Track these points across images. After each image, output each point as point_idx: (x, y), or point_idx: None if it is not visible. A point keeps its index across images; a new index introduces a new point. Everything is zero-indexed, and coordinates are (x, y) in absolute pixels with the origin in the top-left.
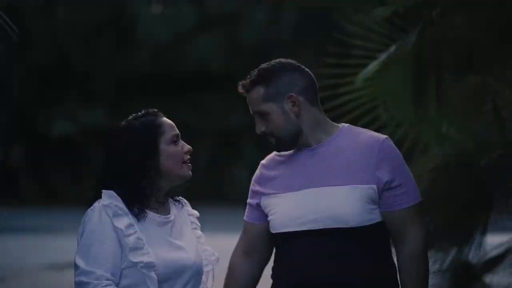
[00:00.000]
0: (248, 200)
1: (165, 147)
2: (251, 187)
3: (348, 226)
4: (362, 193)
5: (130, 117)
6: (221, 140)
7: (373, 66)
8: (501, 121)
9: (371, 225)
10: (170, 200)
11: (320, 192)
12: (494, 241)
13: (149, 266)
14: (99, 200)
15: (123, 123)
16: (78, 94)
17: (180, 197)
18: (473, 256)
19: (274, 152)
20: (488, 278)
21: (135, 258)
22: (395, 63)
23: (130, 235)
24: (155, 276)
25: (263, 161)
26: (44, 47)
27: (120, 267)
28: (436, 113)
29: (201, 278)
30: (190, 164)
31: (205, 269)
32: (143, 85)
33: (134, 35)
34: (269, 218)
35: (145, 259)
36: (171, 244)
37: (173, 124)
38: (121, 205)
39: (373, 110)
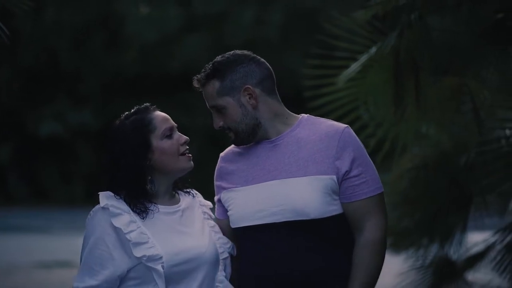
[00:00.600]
0: (215, 197)
1: (158, 143)
2: (214, 182)
3: (309, 218)
4: (322, 184)
5: (122, 116)
6: (208, 140)
7: (354, 67)
8: (479, 121)
9: (332, 216)
10: (180, 192)
11: (280, 184)
12: (475, 240)
13: (154, 259)
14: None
15: (116, 123)
16: (67, 94)
17: (190, 189)
18: (454, 253)
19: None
20: (470, 275)
21: (139, 252)
22: (375, 65)
23: (131, 231)
24: (161, 269)
25: (222, 154)
26: (32, 47)
27: (121, 270)
28: (415, 114)
29: (218, 266)
30: (190, 155)
31: (221, 257)
32: (131, 85)
33: (121, 36)
34: (228, 213)
35: (149, 252)
36: (180, 233)
37: (167, 117)
38: (120, 204)
39: (354, 110)
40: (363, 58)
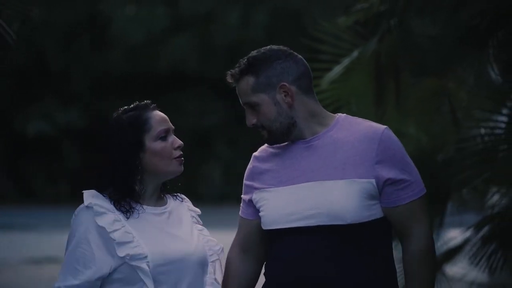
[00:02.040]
0: (242, 195)
1: (151, 144)
2: (244, 181)
3: (345, 223)
4: (359, 187)
5: (121, 110)
6: (195, 140)
7: (336, 70)
8: (457, 121)
9: (370, 221)
10: (168, 195)
11: (315, 186)
12: (453, 236)
13: (138, 258)
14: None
15: (114, 116)
16: (54, 94)
17: (178, 193)
18: None
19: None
20: (448, 268)
21: (122, 252)
22: (357, 68)
23: (116, 230)
24: (146, 267)
25: (255, 153)
26: (20, 47)
27: (103, 270)
28: (396, 114)
29: (206, 269)
30: (182, 159)
31: (210, 259)
32: (119, 85)
33: (108, 36)
34: (260, 214)
35: (133, 251)
36: (167, 235)
37: (165, 118)
38: (104, 203)
39: (337, 110)
40: (346, 61)
